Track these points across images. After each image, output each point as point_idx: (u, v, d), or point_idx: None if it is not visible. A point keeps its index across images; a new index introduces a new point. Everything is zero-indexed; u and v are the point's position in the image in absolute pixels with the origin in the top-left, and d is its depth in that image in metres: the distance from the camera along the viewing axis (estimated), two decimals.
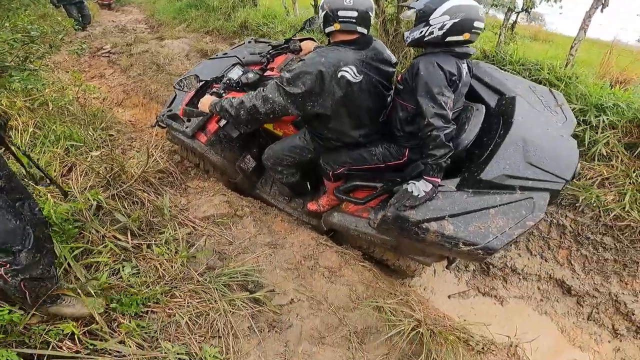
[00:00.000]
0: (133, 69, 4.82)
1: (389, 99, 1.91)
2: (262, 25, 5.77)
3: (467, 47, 1.66)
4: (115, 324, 1.61)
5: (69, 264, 1.75)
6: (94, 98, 3.17)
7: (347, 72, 1.63)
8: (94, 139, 2.54)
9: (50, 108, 2.28)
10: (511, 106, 1.77)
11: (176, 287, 1.85)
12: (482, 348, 1.86)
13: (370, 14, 1.67)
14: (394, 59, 1.89)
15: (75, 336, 1.43)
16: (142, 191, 2.18)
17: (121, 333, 1.53)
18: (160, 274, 1.89)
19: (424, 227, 1.57)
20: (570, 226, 2.84)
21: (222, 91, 2.02)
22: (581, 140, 2.81)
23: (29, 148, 2.21)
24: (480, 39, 3.57)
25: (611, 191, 2.73)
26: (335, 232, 2.42)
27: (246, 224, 2.29)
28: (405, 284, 2.82)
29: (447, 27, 1.56)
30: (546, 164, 1.59)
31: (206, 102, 1.89)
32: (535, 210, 1.52)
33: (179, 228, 2.10)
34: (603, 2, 2.95)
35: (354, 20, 1.64)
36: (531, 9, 3.36)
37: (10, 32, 2.44)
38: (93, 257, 1.86)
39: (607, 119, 2.75)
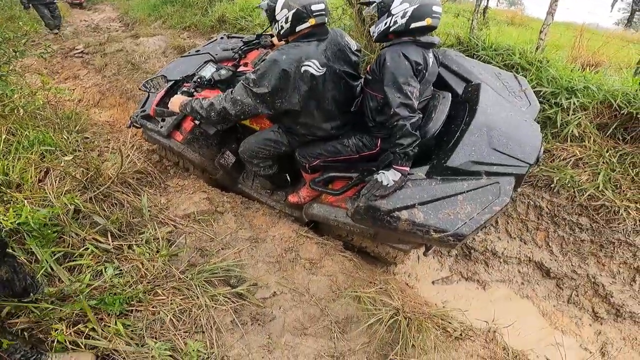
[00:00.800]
0: (108, 69, 4.78)
1: (357, 88, 1.96)
2: (240, 19, 5.75)
3: (432, 36, 1.73)
4: (102, 324, 1.66)
5: (51, 267, 1.79)
6: (67, 100, 3.15)
7: (310, 66, 1.68)
8: (69, 142, 2.54)
9: (22, 114, 2.29)
10: (476, 93, 1.82)
11: (159, 285, 1.90)
12: (460, 334, 1.94)
13: (323, 4, 1.71)
14: (354, 45, 1.93)
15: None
16: (120, 192, 2.21)
17: (109, 333, 1.57)
18: (143, 273, 1.93)
19: (395, 215, 1.62)
20: (547, 207, 2.94)
21: (193, 90, 2.05)
22: (553, 122, 2.92)
23: (3, 155, 2.21)
24: (455, 25, 3.64)
25: (585, 171, 2.83)
26: (317, 223, 2.47)
27: (227, 220, 2.34)
28: (388, 272, 2.91)
29: (408, 14, 1.62)
30: (510, 149, 1.64)
31: (176, 102, 1.92)
32: (501, 195, 1.58)
33: (159, 227, 2.14)
34: None
35: (324, 12, 1.70)
36: None
37: None
38: (75, 260, 1.90)
39: (578, 101, 2.86)
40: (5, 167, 2.09)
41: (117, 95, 4.10)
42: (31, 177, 2.14)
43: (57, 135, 2.54)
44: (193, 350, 1.64)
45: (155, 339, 1.69)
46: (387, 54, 1.64)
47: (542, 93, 2.94)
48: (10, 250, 1.71)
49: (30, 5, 6.62)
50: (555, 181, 2.82)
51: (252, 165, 2.24)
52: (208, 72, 2.20)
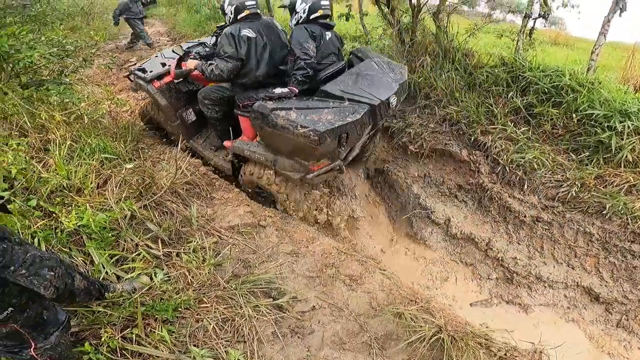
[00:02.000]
0: None
1: (284, 54, 2.68)
2: None
3: (327, 21, 2.60)
4: (148, 329, 1.73)
5: (104, 268, 1.90)
6: (124, 111, 3.37)
7: (246, 31, 2.52)
8: (126, 151, 2.73)
9: (86, 121, 2.47)
10: (358, 60, 2.76)
11: (204, 294, 1.96)
12: (505, 354, 1.88)
13: (255, 1, 2.61)
14: (279, 26, 2.77)
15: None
16: (171, 202, 2.32)
17: (154, 340, 1.64)
18: (189, 280, 2.01)
19: (276, 113, 2.19)
20: (598, 234, 2.81)
21: (198, 56, 2.89)
22: (606, 146, 2.81)
23: (67, 161, 2.39)
24: (497, 45, 3.61)
25: (639, 198, 2.70)
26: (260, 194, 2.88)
27: (269, 234, 2.40)
28: (430, 289, 2.86)
29: (307, 10, 2.51)
30: (370, 89, 2.33)
31: (191, 63, 2.72)
32: (355, 114, 2.18)
33: (206, 237, 2.23)
34: (621, 6, 2.96)
35: (255, 5, 2.61)
36: (549, 14, 3.39)
37: (47, 45, 2.63)
38: (127, 264, 2.00)
39: (632, 124, 2.74)
40: (69, 172, 2.25)
41: None
42: (92, 182, 2.29)
43: (115, 143, 2.72)
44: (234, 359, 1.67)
45: (198, 346, 1.73)
46: (294, 30, 2.51)
47: (594, 116, 2.85)
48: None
49: (121, 19, 6.86)
50: (607, 207, 2.70)
51: (204, 106, 2.84)
52: (201, 49, 3.06)
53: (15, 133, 2.53)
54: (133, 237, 2.08)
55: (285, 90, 2.34)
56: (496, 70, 3.36)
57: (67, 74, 2.86)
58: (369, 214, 3.31)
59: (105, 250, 1.98)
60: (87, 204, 2.10)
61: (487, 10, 3.66)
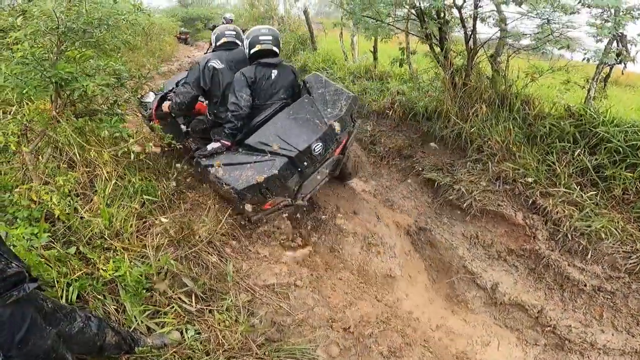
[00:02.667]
0: None
1: None
2: (321, 70, 6.00)
3: (270, 58, 2.50)
4: None
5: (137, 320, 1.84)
6: (166, 149, 3.41)
7: (213, 62, 2.59)
8: (167, 191, 2.74)
9: (132, 158, 2.50)
10: (297, 98, 2.59)
11: (235, 358, 1.85)
12: None
13: (235, 32, 2.81)
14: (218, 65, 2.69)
15: None
16: (207, 253, 2.27)
17: None
18: (220, 341, 1.91)
19: (207, 170, 2.26)
20: None
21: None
22: None
23: (110, 200, 2.42)
24: (566, 91, 3.32)
25: None
26: None
27: (304, 295, 2.28)
28: (469, 354, 2.60)
29: (247, 45, 2.53)
30: (290, 137, 2.25)
31: (166, 105, 2.88)
32: (272, 168, 2.15)
33: (240, 295, 2.14)
34: None
35: (233, 35, 2.78)
36: (627, 62, 3.04)
37: (104, 74, 2.70)
38: (159, 318, 1.94)
39: None
40: (111, 216, 2.26)
41: None
42: (132, 226, 2.29)
43: (157, 183, 2.74)
44: None
45: None
46: (236, 74, 2.50)
47: None
48: (101, 307, 1.83)
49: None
50: None
51: (193, 139, 3.01)
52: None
53: (64, 165, 2.62)
54: (167, 290, 2.03)
55: (217, 145, 2.39)
56: (561, 123, 3.07)
57: (119, 103, 2.92)
58: (407, 273, 3.10)
59: (138, 303, 1.93)
60: (125, 252, 2.08)
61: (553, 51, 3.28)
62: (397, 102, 4.13)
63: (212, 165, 2.26)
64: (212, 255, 2.27)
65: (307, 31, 7.66)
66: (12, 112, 2.71)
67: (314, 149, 2.25)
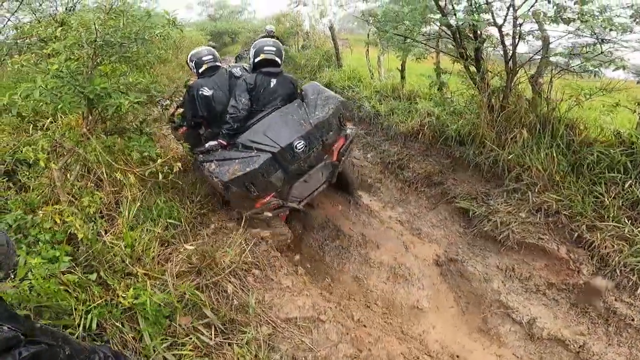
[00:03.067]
0: None
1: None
2: (346, 88, 5.94)
3: (271, 68, 2.74)
4: None
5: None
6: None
7: (203, 90, 2.83)
8: (191, 213, 2.70)
9: (160, 178, 2.48)
10: (287, 103, 2.76)
11: None
12: None
13: (212, 56, 3.03)
14: (237, 73, 3.02)
15: None
16: (228, 281, 2.19)
17: None
18: None
19: (204, 165, 2.49)
20: None
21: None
22: None
23: (134, 222, 2.40)
24: (614, 115, 3.08)
25: None
26: None
27: (328, 330, 2.14)
28: None
29: (253, 53, 2.80)
30: (274, 135, 2.42)
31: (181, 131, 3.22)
32: (254, 164, 2.34)
33: (261, 327, 2.03)
34: None
35: (212, 58, 3.00)
36: None
37: (136, 91, 2.68)
38: (177, 349, 1.86)
39: None
40: (133, 241, 2.23)
41: None
42: (154, 250, 2.24)
43: (182, 204, 2.71)
44: None
45: None
46: (238, 80, 2.84)
47: None
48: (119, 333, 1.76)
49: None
50: None
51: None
52: None
53: (92, 184, 2.62)
54: (187, 321, 1.95)
55: (214, 143, 2.62)
56: (611, 151, 2.84)
57: (149, 122, 2.92)
58: (435, 305, 2.91)
59: (158, 333, 1.86)
60: (147, 278, 2.03)
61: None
62: (427, 125, 3.99)
63: (208, 161, 2.48)
64: (234, 284, 2.18)
65: (332, 47, 7.69)
66: (44, 126, 2.76)
67: (296, 146, 2.41)
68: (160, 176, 2.55)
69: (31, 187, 2.53)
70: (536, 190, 2.96)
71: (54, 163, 2.41)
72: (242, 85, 2.70)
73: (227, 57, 14.72)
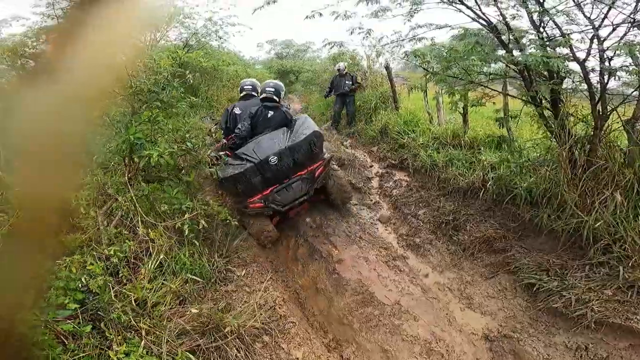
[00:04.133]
0: None
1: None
2: (402, 133, 5.63)
3: (269, 103, 3.68)
4: None
5: None
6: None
7: (235, 110, 3.90)
8: (213, 269, 2.58)
9: (186, 234, 2.42)
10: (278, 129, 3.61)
11: None
12: None
13: (251, 86, 4.19)
14: (259, 104, 3.75)
15: None
16: (235, 347, 1.97)
17: None
18: None
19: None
20: None
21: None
22: None
23: (154, 277, 2.32)
24: None
25: None
26: None
27: None
28: None
29: (260, 91, 3.87)
30: (257, 151, 3.29)
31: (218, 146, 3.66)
32: (240, 169, 3.19)
33: None
34: None
35: (250, 88, 4.13)
36: None
37: (169, 139, 2.69)
38: None
39: None
40: (146, 293, 2.13)
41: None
42: (165, 305, 2.13)
43: (209, 256, 2.61)
44: None
45: None
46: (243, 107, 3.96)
47: None
48: None
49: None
50: None
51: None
52: None
53: (126, 232, 2.65)
54: None
55: (222, 153, 3.37)
56: None
57: (187, 171, 2.94)
58: None
59: None
60: (145, 335, 1.89)
61: None
62: (490, 179, 3.49)
63: (217, 157, 3.26)
64: (238, 349, 1.95)
65: (389, 88, 7.53)
66: (91, 172, 2.93)
67: (270, 160, 3.23)
68: (186, 231, 2.51)
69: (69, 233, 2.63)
70: (629, 264, 2.35)
71: (93, 210, 2.52)
72: (247, 114, 3.71)
73: (291, 96, 15.25)
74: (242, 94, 4.11)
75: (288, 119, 3.63)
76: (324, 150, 3.69)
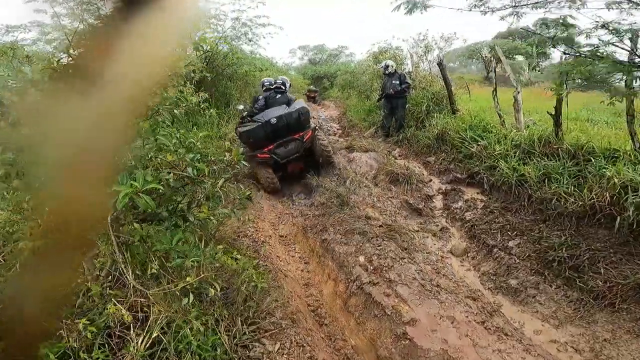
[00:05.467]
0: (318, 193, 4.31)
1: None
2: (467, 140, 4.62)
3: (278, 89, 5.37)
4: None
5: None
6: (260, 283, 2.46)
7: (260, 97, 5.35)
8: (235, 344, 1.79)
9: (190, 300, 1.68)
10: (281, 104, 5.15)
11: None
12: None
13: (270, 81, 5.74)
14: (277, 96, 5.27)
15: None
16: None
17: None
18: None
19: (237, 129, 4.97)
20: None
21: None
22: None
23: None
24: None
25: None
26: None
27: None
28: None
29: (265, 84, 5.65)
30: (266, 116, 4.66)
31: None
32: (253, 126, 4.65)
33: None
34: None
35: (270, 84, 5.52)
36: None
37: (165, 164, 1.93)
38: None
39: None
40: None
41: (316, 240, 3.42)
42: None
43: (228, 325, 1.83)
44: None
45: None
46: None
47: None
48: None
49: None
50: None
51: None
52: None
53: (113, 291, 1.91)
54: None
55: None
56: None
57: (198, 203, 2.12)
58: None
59: None
60: None
61: None
62: (631, 204, 2.46)
63: (239, 126, 4.92)
64: None
65: (443, 88, 6.56)
66: None
67: (271, 121, 4.57)
68: (190, 298, 1.75)
69: None
70: None
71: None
72: (262, 97, 5.20)
73: (327, 102, 14.51)
74: (264, 88, 5.47)
75: (288, 100, 5.20)
76: (311, 122, 5.16)
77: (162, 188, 1.48)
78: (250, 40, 7.33)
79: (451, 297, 2.52)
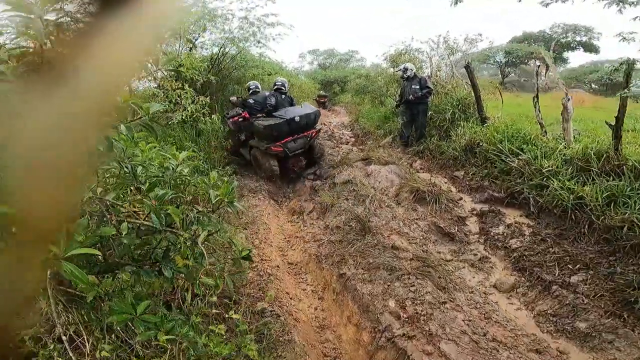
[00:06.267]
0: (333, 214, 3.76)
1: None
2: (504, 154, 4.11)
3: (281, 91, 6.05)
4: None
5: None
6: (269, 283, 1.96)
7: (271, 96, 5.94)
8: None
9: None
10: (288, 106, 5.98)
11: None
12: None
13: (257, 84, 6.41)
14: (284, 96, 6.04)
15: None
16: None
17: None
18: None
19: (256, 122, 5.35)
20: None
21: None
22: None
23: None
24: None
25: None
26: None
27: None
28: None
29: (273, 84, 6.38)
30: (287, 114, 5.23)
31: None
32: (275, 121, 5.12)
33: None
34: None
35: (278, 84, 6.16)
36: None
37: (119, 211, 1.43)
38: None
39: None
40: None
41: (332, 275, 2.85)
42: None
43: None
44: None
45: None
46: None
47: None
48: None
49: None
50: None
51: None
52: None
53: None
54: None
55: (241, 112, 5.89)
56: None
57: (183, 251, 1.62)
58: None
59: None
60: None
61: None
62: None
63: (259, 122, 5.27)
64: None
65: (469, 94, 6.05)
66: None
67: (295, 119, 5.10)
68: None
69: None
70: None
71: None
72: (272, 98, 5.78)
73: (337, 108, 14.04)
74: (274, 88, 6.05)
75: (292, 100, 6.08)
76: (319, 122, 5.71)
77: (98, 254, 1.00)
78: (259, 42, 6.89)
79: (513, 356, 1.99)
